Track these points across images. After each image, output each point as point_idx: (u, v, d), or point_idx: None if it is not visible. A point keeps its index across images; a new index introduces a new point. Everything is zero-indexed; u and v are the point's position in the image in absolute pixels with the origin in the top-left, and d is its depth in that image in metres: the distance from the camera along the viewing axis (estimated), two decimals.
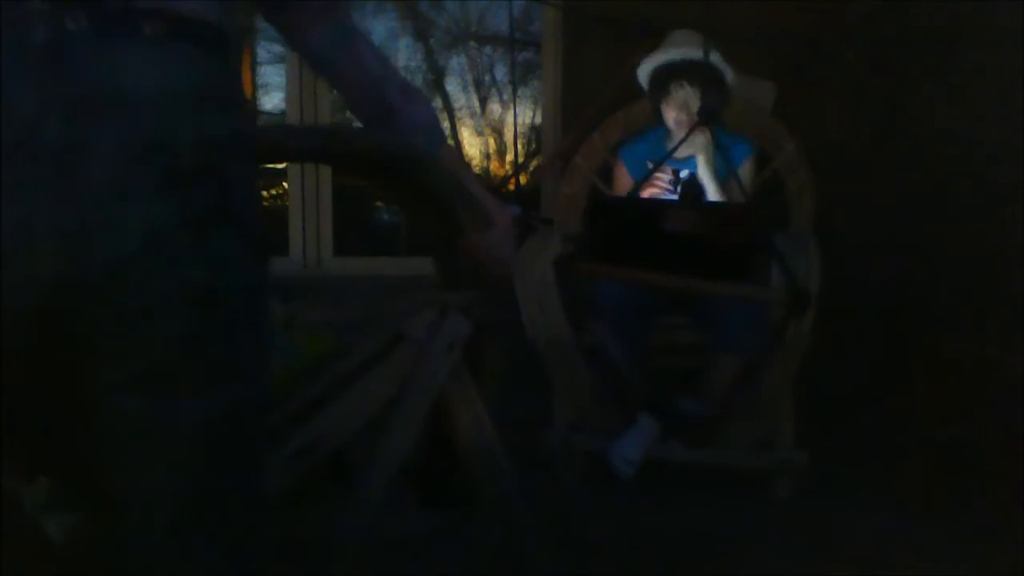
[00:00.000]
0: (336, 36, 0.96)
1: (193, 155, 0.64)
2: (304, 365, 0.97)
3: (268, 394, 0.78)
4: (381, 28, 4.13)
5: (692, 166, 2.45)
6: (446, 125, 4.31)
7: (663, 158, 2.46)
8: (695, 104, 2.37)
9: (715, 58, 2.40)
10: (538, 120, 3.58)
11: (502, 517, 1.29)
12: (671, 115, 2.44)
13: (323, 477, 0.94)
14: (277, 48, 3.85)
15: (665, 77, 2.44)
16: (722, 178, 2.39)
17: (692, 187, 2.44)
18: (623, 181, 2.59)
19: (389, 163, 1.00)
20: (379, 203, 4.60)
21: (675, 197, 2.46)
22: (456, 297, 1.06)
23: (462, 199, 1.01)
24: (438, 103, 4.28)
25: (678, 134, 2.43)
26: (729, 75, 2.46)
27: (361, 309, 1.06)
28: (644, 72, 2.52)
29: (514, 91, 3.84)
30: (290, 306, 1.03)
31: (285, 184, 3.42)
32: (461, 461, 1.00)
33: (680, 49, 2.42)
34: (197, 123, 0.65)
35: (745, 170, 2.47)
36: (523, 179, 3.96)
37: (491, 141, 4.33)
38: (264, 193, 4.49)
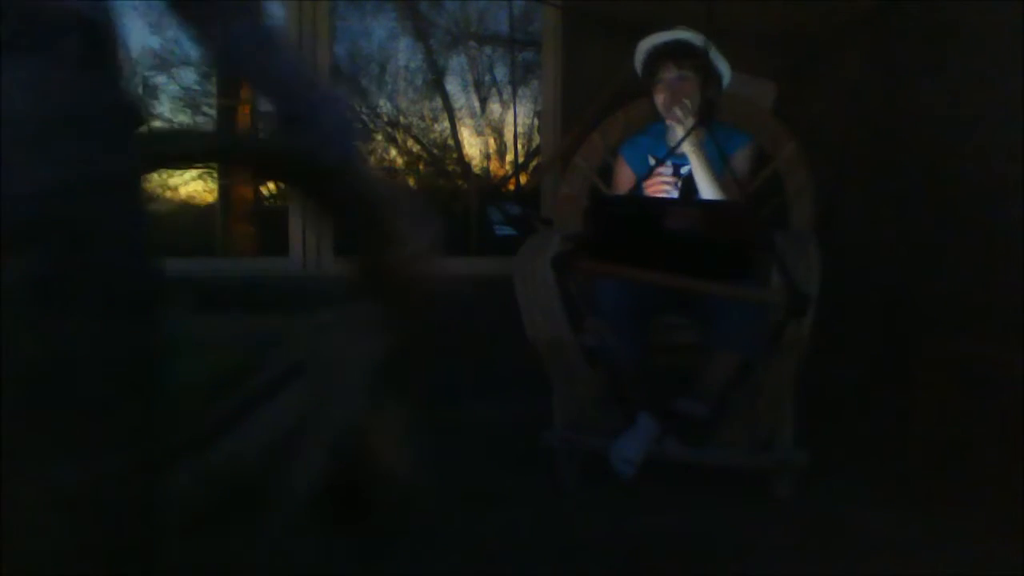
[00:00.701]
0: (250, 35, 0.91)
1: (28, 207, 0.53)
2: (209, 384, 0.90)
3: (155, 457, 0.71)
4: (381, 28, 4.14)
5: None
6: (446, 125, 4.31)
7: (665, 156, 2.47)
8: (684, 88, 2.38)
9: (708, 47, 2.42)
10: (538, 120, 3.58)
11: (417, 543, 1.23)
12: (661, 98, 2.45)
13: (229, 505, 0.87)
14: None
15: (655, 58, 2.46)
16: (719, 173, 2.39)
17: (692, 185, 2.45)
18: (624, 177, 2.59)
19: (299, 171, 0.94)
20: None
21: (677, 195, 2.47)
22: (376, 314, 0.99)
23: (382, 211, 0.95)
24: (438, 103, 4.28)
25: (668, 118, 2.44)
26: (724, 68, 2.46)
27: (279, 323, 0.99)
28: (639, 56, 2.53)
29: (514, 91, 3.85)
30: (207, 316, 0.99)
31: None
32: (377, 486, 0.95)
33: (673, 32, 2.43)
34: (36, 166, 0.53)
35: (741, 159, 2.47)
36: (523, 179, 3.96)
37: (491, 141, 4.33)
38: (264, 193, 4.49)
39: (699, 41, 2.42)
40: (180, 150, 0.93)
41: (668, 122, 2.46)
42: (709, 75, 2.45)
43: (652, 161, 2.52)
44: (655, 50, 2.48)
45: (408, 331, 1.00)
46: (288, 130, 0.94)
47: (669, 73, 2.43)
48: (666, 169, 2.50)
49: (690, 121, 2.36)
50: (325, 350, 0.94)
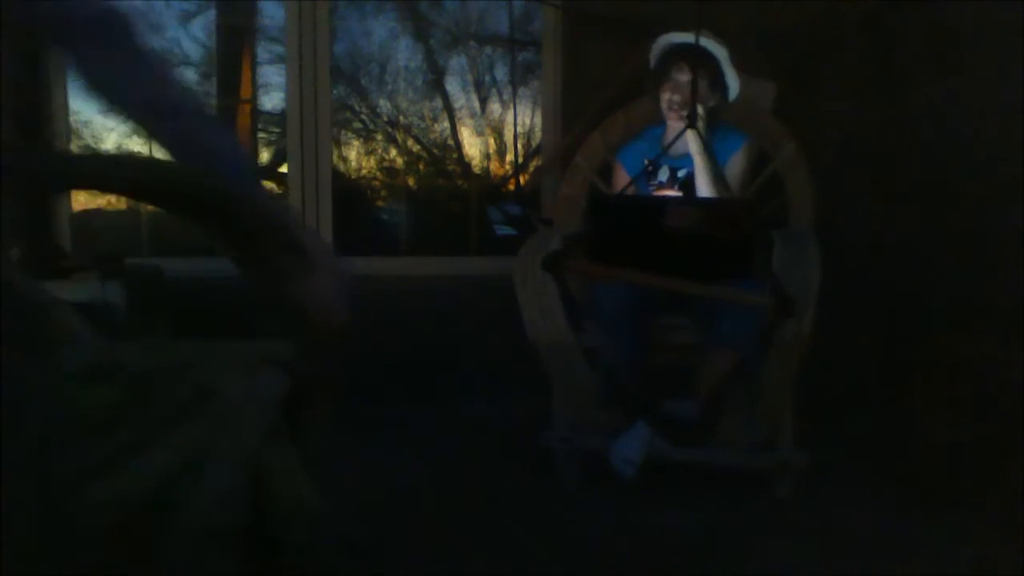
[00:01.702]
0: (119, 60, 0.88)
1: None
2: (84, 421, 0.82)
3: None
4: (381, 28, 4.13)
5: (690, 163, 2.45)
6: (446, 125, 4.31)
7: (657, 156, 2.47)
8: (691, 92, 2.38)
9: (722, 55, 2.42)
10: (538, 120, 3.58)
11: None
12: (666, 96, 2.45)
13: (109, 553, 0.80)
14: (277, 48, 3.85)
15: (671, 58, 2.46)
16: (719, 174, 2.39)
17: (693, 182, 2.45)
18: (622, 182, 2.59)
19: (188, 198, 0.89)
20: (380, 203, 4.60)
21: (675, 194, 2.47)
22: (276, 349, 0.91)
23: (278, 239, 0.89)
24: (438, 103, 4.28)
25: (670, 119, 2.44)
26: (734, 83, 2.47)
27: (175, 354, 0.88)
28: (655, 50, 2.53)
29: (514, 91, 3.84)
30: (99, 343, 0.92)
31: (285, 184, 3.42)
32: (279, 529, 0.88)
33: (693, 34, 2.42)
34: None
35: (738, 160, 2.47)
36: (523, 179, 3.96)
37: (491, 141, 4.33)
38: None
39: (718, 51, 2.42)
40: (46, 174, 0.87)
41: (668, 121, 2.46)
42: (717, 84, 2.45)
43: (647, 163, 2.52)
44: (673, 48, 2.47)
45: (310, 368, 0.93)
46: (177, 157, 0.91)
47: (681, 74, 2.42)
48: (663, 173, 2.50)
49: (699, 123, 2.37)
50: (226, 382, 0.85)
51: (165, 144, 0.92)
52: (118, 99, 0.91)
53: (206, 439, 0.83)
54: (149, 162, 0.95)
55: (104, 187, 1.00)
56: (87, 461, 0.79)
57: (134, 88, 0.89)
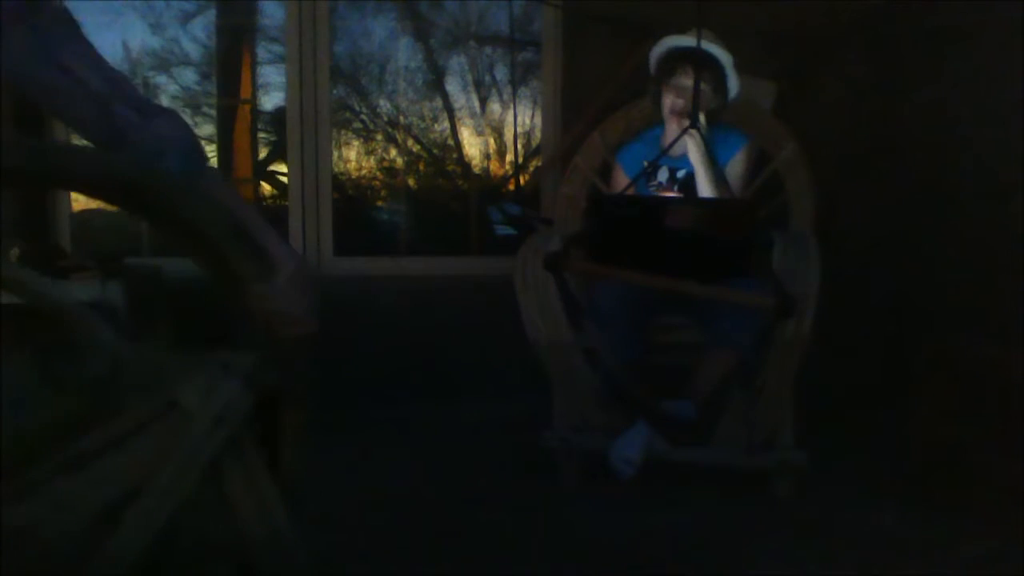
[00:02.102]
0: (36, 48, 0.81)
1: None
2: (45, 432, 0.76)
3: None
4: (381, 28, 4.13)
5: (691, 165, 2.45)
6: (446, 125, 4.31)
7: (657, 157, 2.47)
8: (696, 97, 2.37)
9: (724, 57, 2.41)
10: (538, 120, 3.58)
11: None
12: (668, 100, 2.44)
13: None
14: (277, 48, 3.85)
15: (674, 61, 2.44)
16: (719, 177, 2.39)
17: (692, 183, 2.45)
18: (621, 184, 2.59)
19: (125, 192, 0.80)
20: (380, 203, 4.60)
21: (675, 195, 2.47)
22: (237, 360, 0.82)
23: (234, 238, 0.81)
24: (438, 103, 4.28)
25: (672, 124, 2.43)
26: (735, 85, 2.46)
27: (138, 365, 0.80)
28: (656, 53, 2.52)
29: (514, 91, 3.85)
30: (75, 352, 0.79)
31: (285, 184, 3.42)
32: (246, 553, 0.82)
33: (697, 37, 2.41)
34: None
35: (738, 161, 2.47)
36: (523, 179, 3.96)
37: (491, 141, 4.33)
38: (264, 193, 4.49)
39: (723, 56, 2.42)
40: None
41: (670, 124, 2.46)
42: (720, 89, 2.45)
43: (646, 165, 2.52)
44: (678, 51, 2.45)
45: (274, 380, 0.84)
46: (111, 148, 0.84)
47: (686, 79, 2.40)
48: (662, 174, 2.50)
49: (700, 127, 2.36)
50: (185, 396, 0.78)
51: (96, 136, 0.85)
52: (32, 86, 0.85)
53: (160, 455, 0.76)
54: (75, 150, 0.84)
55: (28, 179, 0.91)
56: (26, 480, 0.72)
57: (52, 75, 0.83)
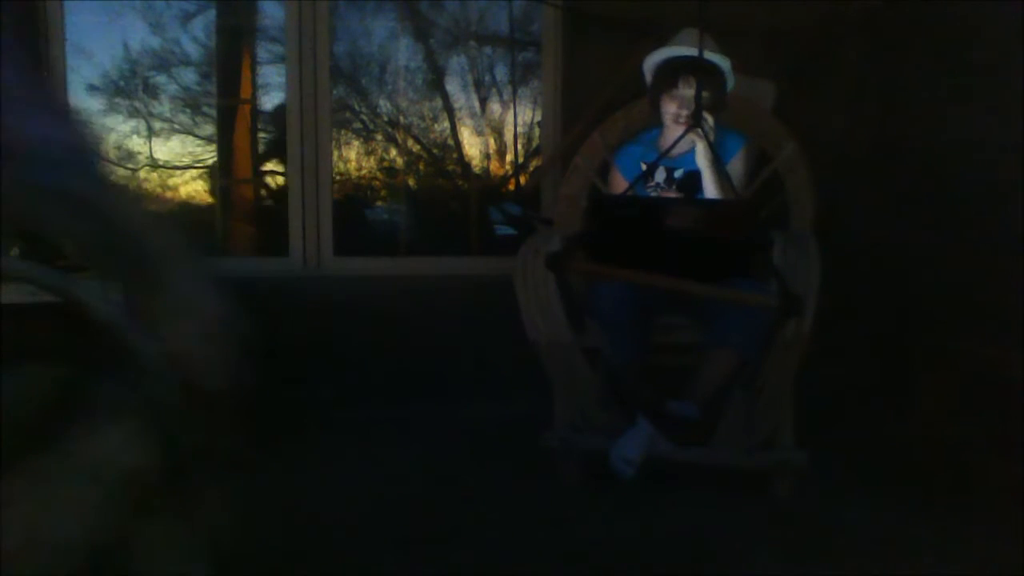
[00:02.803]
0: None
1: None
2: None
3: None
4: (381, 28, 4.13)
5: (687, 164, 2.45)
6: (446, 125, 4.31)
7: (656, 159, 2.47)
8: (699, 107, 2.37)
9: (724, 63, 2.42)
10: (538, 120, 3.58)
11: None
12: (671, 109, 2.44)
13: None
14: (277, 48, 3.85)
15: (674, 71, 2.44)
16: (725, 180, 2.39)
17: (690, 182, 2.44)
18: (618, 185, 2.59)
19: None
20: (380, 203, 4.60)
21: (674, 195, 2.47)
22: (147, 417, 0.71)
23: (137, 264, 0.69)
24: (438, 103, 4.28)
25: (674, 129, 2.43)
26: (731, 82, 2.47)
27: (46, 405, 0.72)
28: (652, 63, 2.51)
29: (514, 91, 3.84)
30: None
31: (285, 183, 3.42)
32: None
33: (692, 48, 2.42)
34: None
35: (738, 162, 2.47)
36: (523, 179, 3.96)
37: (491, 141, 4.33)
38: (264, 192, 4.49)
39: (723, 63, 2.42)
40: None
41: (671, 129, 2.45)
42: (720, 96, 2.46)
43: (644, 166, 2.52)
44: (678, 62, 2.45)
45: (186, 436, 0.74)
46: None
47: (689, 89, 2.40)
48: (660, 175, 2.50)
49: (707, 130, 2.36)
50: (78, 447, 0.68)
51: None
52: None
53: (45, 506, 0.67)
54: None
55: None
56: None
57: None
